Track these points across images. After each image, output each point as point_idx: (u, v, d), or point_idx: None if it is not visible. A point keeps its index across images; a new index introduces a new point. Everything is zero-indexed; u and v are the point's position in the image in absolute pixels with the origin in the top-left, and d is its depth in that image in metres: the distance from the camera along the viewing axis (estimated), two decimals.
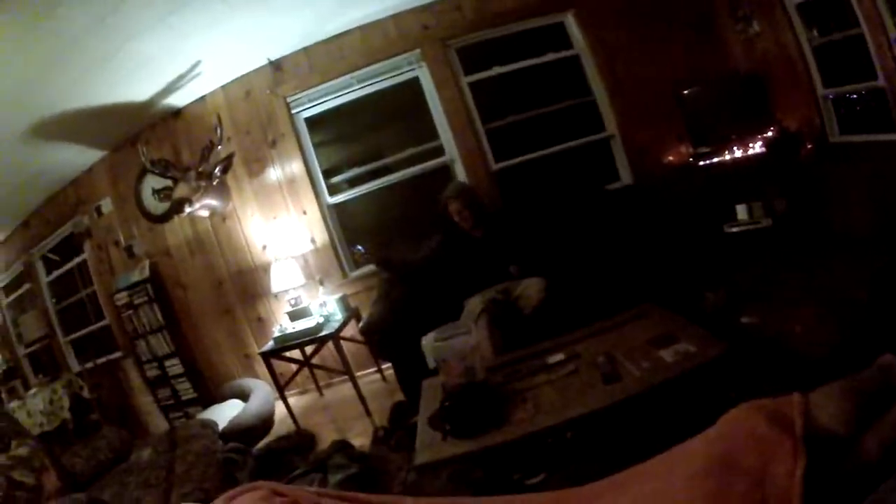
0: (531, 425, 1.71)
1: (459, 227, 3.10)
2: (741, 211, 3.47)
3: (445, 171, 3.87)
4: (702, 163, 3.56)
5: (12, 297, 5.47)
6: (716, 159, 3.49)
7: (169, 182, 3.81)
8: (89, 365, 4.62)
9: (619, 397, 1.70)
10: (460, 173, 3.80)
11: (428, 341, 2.92)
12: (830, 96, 3.20)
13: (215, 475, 2.60)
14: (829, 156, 3.24)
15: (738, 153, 3.41)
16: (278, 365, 3.59)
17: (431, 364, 2.77)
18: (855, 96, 3.13)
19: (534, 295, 2.73)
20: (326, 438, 3.12)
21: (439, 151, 3.87)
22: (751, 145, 3.37)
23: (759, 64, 3.53)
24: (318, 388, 4.01)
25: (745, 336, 2.21)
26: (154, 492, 2.51)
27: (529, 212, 3.45)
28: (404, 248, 3.44)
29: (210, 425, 3.16)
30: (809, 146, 3.31)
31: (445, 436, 1.82)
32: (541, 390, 1.89)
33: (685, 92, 3.62)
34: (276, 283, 3.74)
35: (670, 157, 3.80)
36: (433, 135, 3.86)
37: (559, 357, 2.08)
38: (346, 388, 3.91)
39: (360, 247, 3.22)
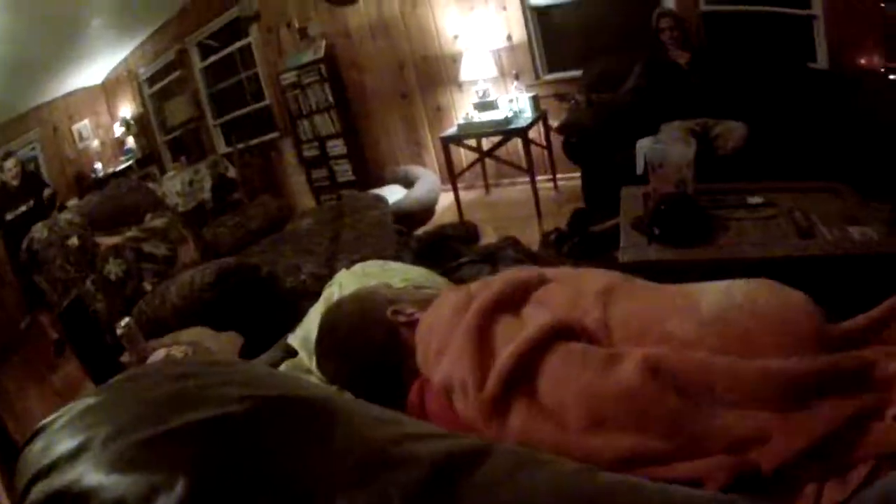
0: (736, 251, 1.74)
1: (664, 51, 3.08)
2: None
3: None
4: (892, 76, 3.36)
5: (156, 86, 5.54)
6: None
7: None
8: (240, 145, 4.67)
9: (813, 252, 1.70)
10: (670, 3, 3.56)
11: (645, 143, 2.82)
12: None
13: (392, 245, 2.44)
14: None
15: None
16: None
17: (640, 169, 2.69)
18: None
19: (734, 138, 2.69)
20: (489, 235, 3.08)
21: None
22: None
23: None
24: (486, 186, 4.00)
25: None
26: (314, 259, 2.46)
27: (736, 58, 3.30)
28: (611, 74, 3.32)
29: (382, 199, 3.14)
30: None
31: (651, 240, 1.81)
32: (742, 224, 1.91)
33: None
34: (466, 71, 3.68)
35: (863, 60, 3.59)
36: None
37: (758, 199, 2.07)
38: (514, 191, 3.89)
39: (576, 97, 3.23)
